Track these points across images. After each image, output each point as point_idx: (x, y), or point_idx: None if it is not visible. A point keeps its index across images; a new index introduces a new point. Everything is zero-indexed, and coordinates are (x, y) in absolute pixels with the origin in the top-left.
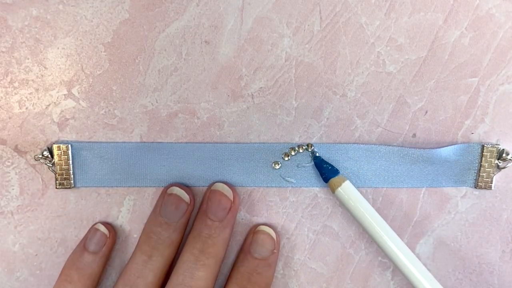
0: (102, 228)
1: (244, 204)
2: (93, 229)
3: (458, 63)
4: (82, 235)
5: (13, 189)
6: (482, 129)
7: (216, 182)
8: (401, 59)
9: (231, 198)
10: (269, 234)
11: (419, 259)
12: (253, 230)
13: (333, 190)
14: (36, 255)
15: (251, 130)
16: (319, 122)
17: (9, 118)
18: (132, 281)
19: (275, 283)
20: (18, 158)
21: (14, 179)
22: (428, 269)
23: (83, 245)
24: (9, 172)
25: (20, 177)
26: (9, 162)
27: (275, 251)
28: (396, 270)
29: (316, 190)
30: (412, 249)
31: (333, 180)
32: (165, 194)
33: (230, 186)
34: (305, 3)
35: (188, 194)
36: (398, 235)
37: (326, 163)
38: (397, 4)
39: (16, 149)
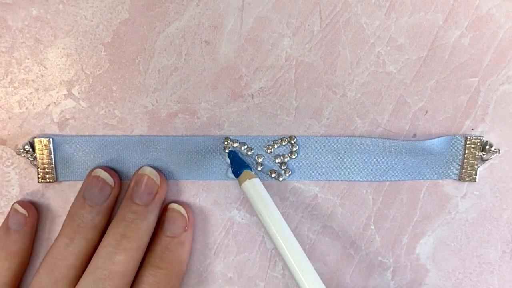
0: (20, 208)
1: (244, 204)
2: (12, 210)
3: (458, 63)
4: None
5: (13, 189)
6: (482, 129)
7: (144, 166)
8: (401, 59)
9: (158, 182)
10: (179, 212)
11: (419, 259)
12: (165, 209)
13: (240, 184)
14: (36, 255)
15: (251, 130)
16: (319, 122)
17: (9, 118)
18: (54, 264)
19: (275, 283)
20: (18, 158)
21: (14, 179)
22: (428, 269)
23: (6, 225)
24: (9, 172)
25: (20, 177)
26: (9, 162)
27: (187, 228)
28: (396, 270)
29: (316, 190)
30: (412, 249)
31: (242, 175)
32: (90, 176)
33: (158, 171)
34: (305, 3)
35: (113, 177)
36: (398, 235)
37: (237, 158)
38: (397, 4)
39: (16, 149)
